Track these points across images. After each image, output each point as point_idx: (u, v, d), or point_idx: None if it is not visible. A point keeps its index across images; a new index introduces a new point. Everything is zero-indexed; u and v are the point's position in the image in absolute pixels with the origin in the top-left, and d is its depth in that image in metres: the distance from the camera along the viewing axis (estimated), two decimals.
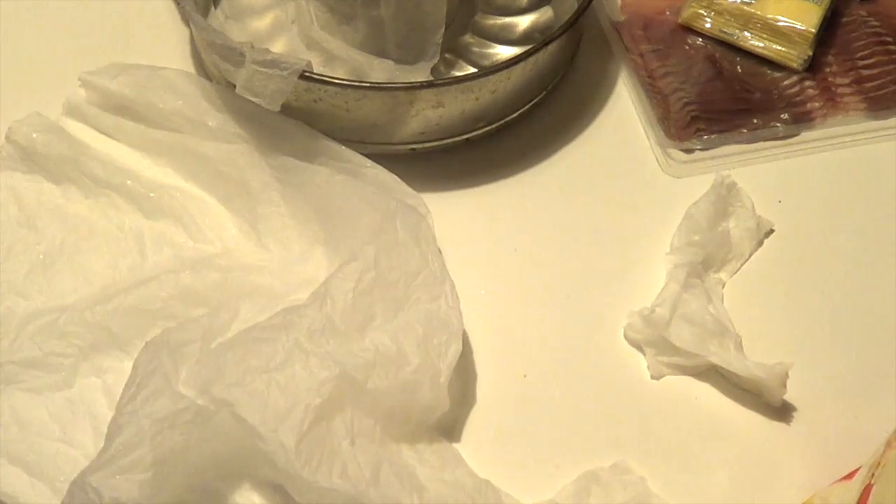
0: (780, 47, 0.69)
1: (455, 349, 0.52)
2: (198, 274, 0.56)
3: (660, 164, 0.66)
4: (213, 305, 0.55)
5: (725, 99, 0.68)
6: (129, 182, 0.60)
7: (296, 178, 0.59)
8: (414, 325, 0.52)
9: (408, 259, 0.54)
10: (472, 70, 0.67)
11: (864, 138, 0.67)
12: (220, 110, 0.62)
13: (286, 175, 0.60)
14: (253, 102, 0.58)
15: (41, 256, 0.57)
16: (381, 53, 0.64)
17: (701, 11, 0.71)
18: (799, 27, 0.68)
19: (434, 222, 0.58)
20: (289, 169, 0.60)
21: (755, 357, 0.54)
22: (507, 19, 0.71)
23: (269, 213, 0.60)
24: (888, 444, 0.45)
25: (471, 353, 0.57)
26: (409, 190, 0.59)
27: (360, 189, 0.57)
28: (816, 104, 0.68)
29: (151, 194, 0.60)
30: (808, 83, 0.69)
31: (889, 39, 0.71)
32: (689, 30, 0.72)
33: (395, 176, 0.59)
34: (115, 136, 0.63)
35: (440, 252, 0.55)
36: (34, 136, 0.61)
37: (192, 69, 0.69)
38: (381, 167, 0.60)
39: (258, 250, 0.59)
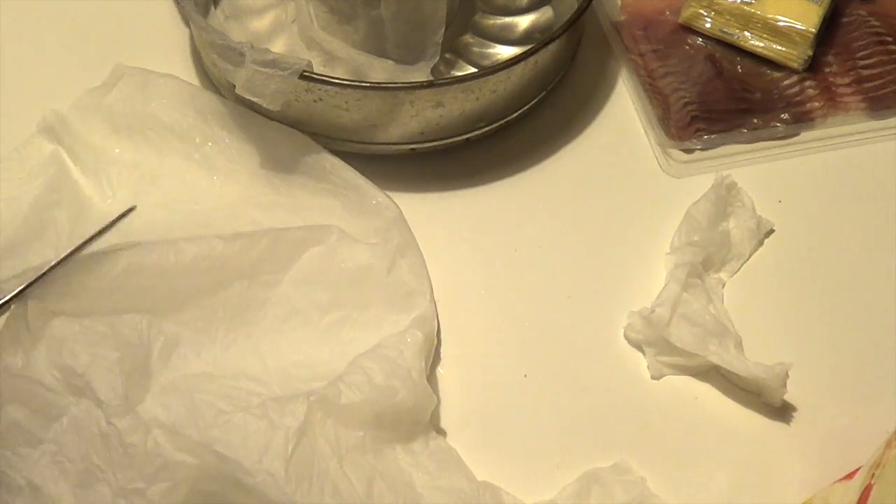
0: (780, 47, 0.69)
1: (422, 340, 0.52)
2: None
3: (660, 164, 0.66)
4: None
5: (725, 99, 0.68)
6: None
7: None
8: (376, 348, 0.52)
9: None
10: (472, 70, 0.67)
11: (864, 138, 0.67)
12: (207, 122, 0.62)
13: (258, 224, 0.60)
14: (243, 110, 0.59)
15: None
16: (381, 53, 0.64)
17: (701, 11, 0.71)
18: (799, 27, 0.68)
19: (433, 223, 0.58)
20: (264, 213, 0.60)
21: (755, 357, 0.54)
22: (507, 19, 0.71)
23: None
24: (888, 444, 0.45)
25: (471, 352, 0.57)
26: (388, 203, 0.59)
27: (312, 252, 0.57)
28: (816, 104, 0.68)
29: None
30: (808, 83, 0.69)
31: (889, 39, 0.71)
32: (689, 30, 0.72)
33: (381, 193, 0.59)
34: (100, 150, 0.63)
35: (391, 280, 0.55)
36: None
37: (192, 69, 0.69)
38: (368, 183, 0.59)
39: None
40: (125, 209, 0.59)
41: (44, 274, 0.51)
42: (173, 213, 0.59)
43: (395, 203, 0.59)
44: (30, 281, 0.51)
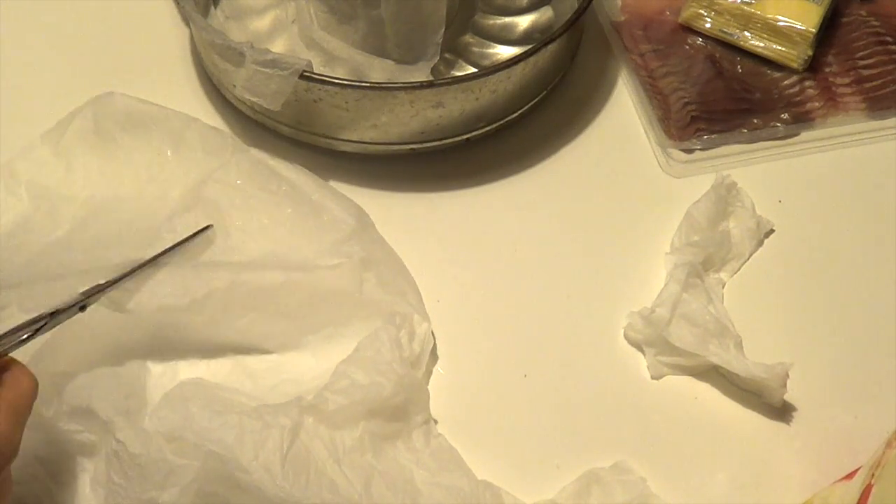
0: (780, 47, 0.69)
1: (396, 334, 0.52)
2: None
3: (660, 164, 0.66)
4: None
5: (725, 99, 0.68)
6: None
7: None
8: (353, 353, 0.52)
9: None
10: (472, 70, 0.67)
11: (864, 138, 0.67)
12: (164, 142, 0.60)
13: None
14: (202, 126, 0.59)
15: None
16: (381, 53, 0.64)
17: (701, 11, 0.71)
18: (799, 27, 0.68)
19: (432, 223, 0.58)
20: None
21: (755, 357, 0.54)
22: (507, 19, 0.71)
23: None
24: (888, 444, 0.45)
25: (471, 352, 0.57)
26: (344, 217, 0.57)
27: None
28: (816, 104, 0.68)
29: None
30: (808, 83, 0.69)
31: (889, 39, 0.71)
32: (689, 30, 0.72)
33: (340, 206, 0.58)
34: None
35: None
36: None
37: (192, 69, 0.69)
38: (329, 196, 0.58)
39: None
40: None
41: (114, 280, 0.51)
42: (114, 231, 0.58)
43: (355, 212, 0.57)
44: (102, 284, 0.51)
